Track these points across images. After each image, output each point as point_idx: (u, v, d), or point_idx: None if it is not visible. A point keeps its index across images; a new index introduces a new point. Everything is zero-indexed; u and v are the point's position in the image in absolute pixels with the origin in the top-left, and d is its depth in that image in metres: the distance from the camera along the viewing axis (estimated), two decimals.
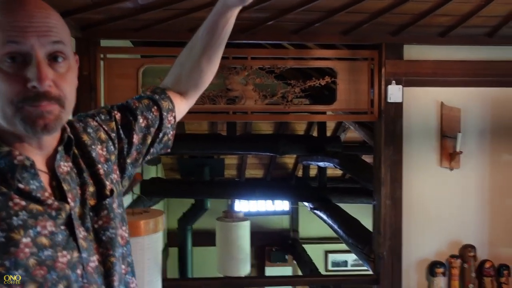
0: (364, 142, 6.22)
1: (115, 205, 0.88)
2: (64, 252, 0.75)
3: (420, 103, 2.57)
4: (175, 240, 6.07)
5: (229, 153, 6.04)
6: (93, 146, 0.88)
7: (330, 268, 7.63)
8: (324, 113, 2.89)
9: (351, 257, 7.45)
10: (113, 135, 0.94)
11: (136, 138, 0.97)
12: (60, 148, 0.82)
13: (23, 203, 0.72)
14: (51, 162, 0.80)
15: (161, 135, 1.03)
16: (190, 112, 3.11)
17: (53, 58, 0.73)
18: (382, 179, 2.51)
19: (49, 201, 0.76)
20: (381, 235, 2.52)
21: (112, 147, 0.93)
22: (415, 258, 2.58)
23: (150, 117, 1.00)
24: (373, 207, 2.63)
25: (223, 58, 2.59)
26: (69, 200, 0.79)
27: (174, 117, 1.05)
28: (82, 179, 0.84)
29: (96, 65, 2.43)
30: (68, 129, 0.84)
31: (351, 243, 3.22)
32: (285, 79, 2.66)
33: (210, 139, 5.02)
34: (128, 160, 0.97)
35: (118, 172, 0.94)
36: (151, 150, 1.03)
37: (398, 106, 2.52)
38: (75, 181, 0.83)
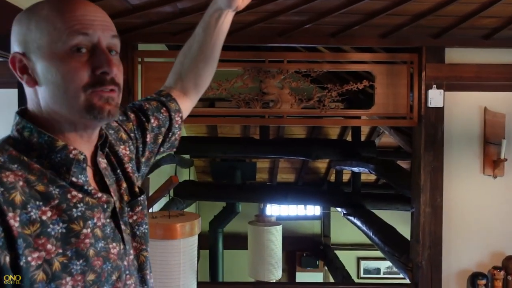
0: (399, 148, 6.09)
1: (145, 203, 0.91)
2: (114, 244, 0.79)
3: (462, 108, 2.49)
4: (206, 243, 6.10)
5: (262, 156, 6.03)
6: (115, 147, 0.91)
7: (362, 275, 7.50)
8: (359, 117, 2.84)
9: (384, 265, 7.31)
10: (132, 135, 0.97)
11: (149, 138, 1.00)
12: (98, 145, 0.84)
13: (80, 195, 0.75)
14: (92, 158, 0.83)
15: (170, 135, 1.06)
16: (224, 115, 3.12)
17: (109, 51, 0.77)
18: (422, 186, 2.43)
19: (99, 194, 0.79)
20: (420, 244, 2.44)
21: (132, 146, 0.97)
22: (455, 269, 2.49)
23: (160, 117, 1.03)
24: (412, 214, 2.55)
25: (259, 61, 2.59)
26: (111, 194, 0.82)
27: (181, 118, 1.09)
28: (116, 175, 0.88)
29: (134, 69, 2.47)
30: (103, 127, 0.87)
31: (387, 251, 3.14)
32: (320, 83, 2.62)
33: (243, 142, 5.02)
34: (142, 160, 1.00)
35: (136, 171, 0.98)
36: (161, 150, 1.06)
37: (439, 111, 2.44)
38: (112, 177, 0.86)
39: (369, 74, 2.57)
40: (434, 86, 2.42)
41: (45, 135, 0.74)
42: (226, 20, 1.02)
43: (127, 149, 0.94)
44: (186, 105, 1.12)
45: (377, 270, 7.47)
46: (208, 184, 6.61)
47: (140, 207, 0.89)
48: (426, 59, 2.44)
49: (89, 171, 0.81)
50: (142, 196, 0.90)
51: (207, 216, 6.07)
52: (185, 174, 5.93)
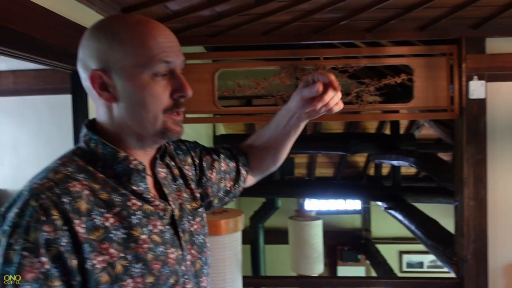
0: (439, 140, 5.96)
1: (204, 215, 0.98)
2: (172, 249, 0.83)
3: (506, 98, 2.43)
4: (247, 238, 6.18)
5: (299, 152, 6.04)
6: (180, 166, 0.98)
7: (404, 269, 7.39)
8: (397, 111, 2.82)
9: (427, 258, 7.17)
10: (197, 162, 1.03)
11: (214, 176, 1.05)
12: (157, 156, 0.90)
13: (139, 203, 0.81)
14: (151, 168, 0.89)
15: (235, 186, 1.11)
16: (262, 113, 3.16)
17: None
18: (465, 179, 2.40)
19: (156, 202, 0.84)
20: (465, 238, 2.41)
21: (194, 171, 1.02)
22: (502, 262, 2.44)
23: (230, 165, 1.10)
24: (455, 208, 2.52)
25: (296, 59, 2.61)
26: (170, 202, 0.87)
27: (247, 171, 1.14)
28: (177, 185, 0.93)
29: None
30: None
31: (431, 245, 3.10)
32: (358, 78, 2.62)
33: None
34: (199, 190, 1.02)
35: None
36: (226, 199, 1.11)
37: (481, 103, 2.39)
38: (171, 186, 0.92)
39: (407, 68, 2.55)
40: (475, 77, 2.38)
41: (109, 146, 0.80)
42: (295, 125, 1.05)
43: (191, 171, 1.00)
44: (250, 176, 1.17)
45: (420, 264, 7.34)
46: None
47: (199, 218, 0.95)
48: (466, 50, 2.40)
49: (149, 180, 0.86)
50: (202, 208, 0.97)
51: (247, 211, 6.13)
52: None
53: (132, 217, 0.79)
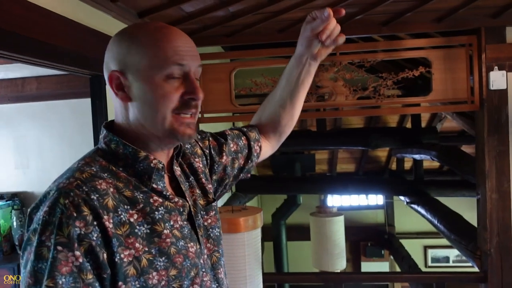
0: (463, 132, 5.85)
1: (218, 209, 1.01)
2: (192, 244, 0.87)
3: None
4: (269, 234, 6.22)
5: (320, 148, 6.03)
6: (190, 159, 1.00)
7: (430, 264, 7.30)
8: (418, 104, 2.79)
9: (453, 253, 7.06)
10: (206, 151, 1.06)
11: (225, 159, 1.08)
12: (174, 154, 0.93)
13: (161, 200, 0.85)
14: (169, 166, 0.92)
15: (249, 162, 1.13)
16: None
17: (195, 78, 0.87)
18: (487, 172, 2.36)
19: (176, 199, 0.88)
20: (488, 231, 2.38)
21: (205, 161, 1.05)
22: None
23: (239, 143, 1.12)
24: (477, 201, 2.48)
25: None
26: (187, 198, 0.91)
27: (260, 147, 1.16)
28: (190, 182, 0.97)
29: None
30: None
31: (454, 239, 3.06)
32: (376, 71, 2.60)
33: (301, 135, 5.05)
34: (214, 177, 1.07)
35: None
36: (240, 176, 1.14)
37: (503, 93, 2.35)
38: (185, 183, 0.95)
39: (426, 60, 2.52)
40: (496, 67, 2.33)
41: (130, 147, 0.84)
42: (307, 72, 1.06)
43: (200, 163, 1.02)
44: (265, 148, 1.19)
45: (446, 259, 7.23)
46: (268, 177, 6.71)
47: (213, 212, 0.98)
48: (485, 40, 2.36)
49: (166, 178, 0.89)
50: (215, 202, 0.99)
51: (269, 208, 6.18)
52: None
53: (156, 212, 0.82)
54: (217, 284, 0.94)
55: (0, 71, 2.64)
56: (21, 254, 0.74)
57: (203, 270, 0.89)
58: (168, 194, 0.86)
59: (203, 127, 2.59)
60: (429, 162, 5.41)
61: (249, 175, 1.19)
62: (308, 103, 2.54)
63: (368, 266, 7.38)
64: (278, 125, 1.16)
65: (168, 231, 0.83)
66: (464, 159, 3.42)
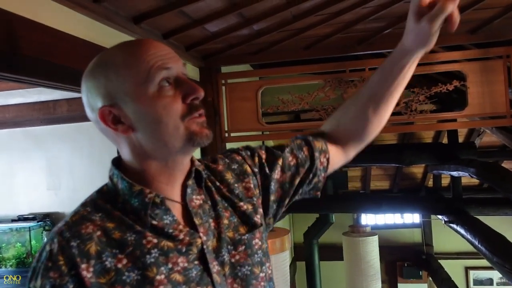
0: (504, 146, 5.60)
1: (255, 241, 0.85)
2: None
3: None
4: (302, 254, 6.08)
5: (352, 166, 5.90)
6: (236, 184, 0.89)
7: (472, 286, 6.94)
8: (454, 120, 2.67)
9: (496, 275, 6.69)
10: (255, 170, 0.93)
11: (280, 175, 0.94)
12: (191, 182, 0.83)
13: (155, 240, 0.75)
14: (182, 196, 0.82)
15: (311, 176, 0.97)
16: (309, 128, 3.11)
17: None
18: None
19: (181, 236, 0.77)
20: None
21: (256, 181, 0.92)
22: None
23: (300, 156, 0.96)
24: None
25: (340, 71, 2.55)
26: (201, 234, 0.79)
27: (328, 159, 0.99)
28: (217, 211, 0.84)
29: (219, 91, 2.57)
30: (196, 162, 0.85)
31: (496, 262, 2.88)
32: (408, 86, 2.51)
33: None
34: (272, 198, 0.94)
35: (262, 208, 0.93)
36: (300, 191, 0.97)
37: None
38: (208, 214, 0.83)
39: (460, 73, 2.42)
40: None
41: (125, 180, 0.76)
42: (411, 65, 0.90)
43: (250, 183, 0.91)
44: (338, 157, 1.02)
45: (490, 281, 6.86)
46: None
47: (243, 247, 0.83)
48: None
49: (178, 209, 0.80)
50: (247, 235, 0.85)
51: (301, 227, 6.05)
52: None
53: (147, 256, 0.73)
54: None
55: (33, 94, 2.71)
56: None
57: None
58: (172, 231, 0.76)
59: (230, 146, 2.56)
60: (468, 179, 5.18)
61: (318, 193, 1.01)
62: None
63: None
64: (364, 130, 0.98)
65: (163, 276, 0.73)
66: (505, 176, 3.23)
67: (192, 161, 0.84)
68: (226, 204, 0.86)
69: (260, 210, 0.91)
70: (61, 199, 2.90)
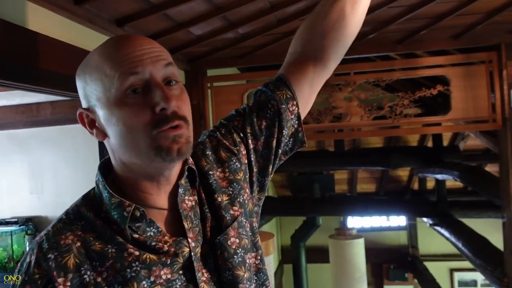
0: (487, 150, 5.67)
1: (231, 240, 0.77)
2: None
3: None
4: (289, 257, 6.09)
5: (339, 168, 5.92)
6: (210, 172, 0.81)
7: (457, 287, 7.01)
8: (439, 123, 2.69)
9: (481, 276, 6.74)
10: (236, 149, 0.85)
11: (254, 144, 0.87)
12: (183, 182, 0.77)
13: (137, 253, 0.70)
14: (173, 197, 0.76)
15: (285, 130, 0.88)
16: None
17: (167, 82, 0.71)
18: None
19: (165, 248, 0.72)
20: None
21: (237, 163, 0.84)
22: None
23: (268, 115, 0.88)
24: (503, 224, 2.36)
25: None
26: (189, 240, 0.74)
27: (297, 104, 0.90)
28: (203, 213, 0.78)
29: (204, 94, 2.56)
30: (190, 160, 0.79)
31: (479, 264, 2.92)
32: (393, 89, 2.53)
33: (319, 155, 4.98)
34: (255, 170, 0.87)
35: (248, 188, 0.85)
36: (280, 151, 0.89)
37: None
38: (198, 216, 0.78)
39: (444, 77, 2.44)
40: None
41: (106, 190, 0.72)
42: None
43: (227, 170, 0.83)
44: (321, 77, 0.95)
45: (474, 282, 6.93)
46: (287, 199, 6.61)
47: (219, 251, 0.76)
48: (506, 56, 2.27)
49: (166, 217, 0.75)
50: (219, 238, 0.76)
51: (288, 230, 6.06)
52: None
53: (127, 270, 0.69)
54: None
55: (16, 97, 2.67)
56: None
57: None
58: (154, 244, 0.71)
59: None
60: (453, 181, 5.24)
61: (305, 144, 0.93)
62: (322, 124, 2.48)
63: None
64: (343, 32, 0.90)
65: None
66: (488, 180, 3.28)
67: (185, 159, 0.77)
68: (208, 203, 0.80)
69: (245, 196, 0.83)
70: (44, 203, 2.85)
